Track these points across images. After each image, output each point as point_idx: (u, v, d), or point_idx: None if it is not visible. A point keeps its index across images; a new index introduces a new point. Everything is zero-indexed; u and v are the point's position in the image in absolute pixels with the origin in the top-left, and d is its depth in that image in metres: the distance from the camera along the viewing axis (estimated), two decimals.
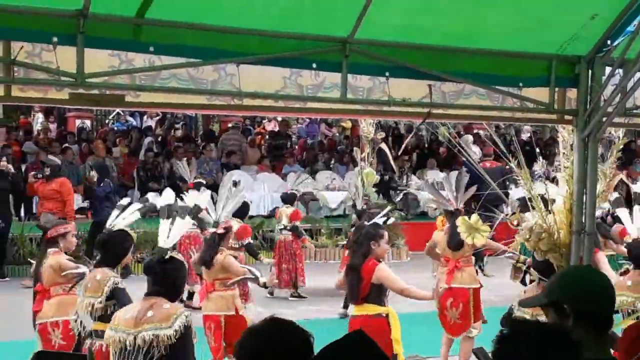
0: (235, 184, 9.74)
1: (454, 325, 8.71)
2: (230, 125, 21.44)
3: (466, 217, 6.80)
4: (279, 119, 22.17)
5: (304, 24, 5.11)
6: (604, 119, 5.95)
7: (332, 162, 20.42)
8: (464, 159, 17.98)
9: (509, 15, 5.42)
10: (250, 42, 5.09)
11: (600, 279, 3.17)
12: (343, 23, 5.17)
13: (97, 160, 16.72)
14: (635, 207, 6.87)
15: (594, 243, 6.34)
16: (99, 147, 17.32)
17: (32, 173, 14.43)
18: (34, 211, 15.40)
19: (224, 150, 19.62)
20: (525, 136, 22.47)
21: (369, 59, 5.41)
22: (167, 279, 5.04)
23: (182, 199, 8.56)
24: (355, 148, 17.55)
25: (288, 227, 13.06)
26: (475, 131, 21.12)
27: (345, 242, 12.02)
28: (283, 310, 11.61)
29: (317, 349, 2.59)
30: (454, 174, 11.75)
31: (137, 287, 6.06)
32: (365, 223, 7.48)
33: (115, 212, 6.75)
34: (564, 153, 6.27)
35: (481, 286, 9.17)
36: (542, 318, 5.82)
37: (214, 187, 17.78)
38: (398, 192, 19.18)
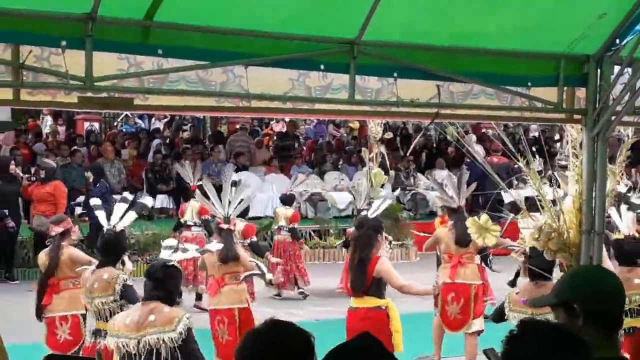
0: (234, 184, 9.76)
1: (454, 321, 8.86)
2: (238, 126, 21.46)
3: (476, 218, 6.81)
4: (287, 120, 22.19)
5: (311, 25, 5.11)
6: (613, 117, 5.94)
7: (340, 162, 20.42)
8: (470, 156, 17.98)
9: (517, 15, 5.41)
10: (258, 43, 5.09)
11: (610, 278, 3.16)
12: (351, 24, 5.17)
13: (93, 162, 16.74)
14: (622, 207, 6.93)
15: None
16: (107, 150, 17.36)
17: (27, 176, 14.43)
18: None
19: (232, 151, 19.64)
20: (534, 134, 22.42)
21: (377, 60, 5.40)
22: (168, 283, 5.26)
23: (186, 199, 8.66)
24: (363, 148, 17.60)
25: (286, 229, 13.08)
26: (483, 130, 21.09)
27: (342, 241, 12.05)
28: (291, 310, 11.67)
29: (325, 350, 2.59)
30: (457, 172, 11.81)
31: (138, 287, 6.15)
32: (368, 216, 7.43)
33: (118, 211, 6.90)
34: (573, 152, 6.25)
35: (483, 283, 9.33)
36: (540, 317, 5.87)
37: (222, 189, 17.89)
38: (406, 192, 19.20)
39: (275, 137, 22.22)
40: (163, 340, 4.96)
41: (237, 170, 18.50)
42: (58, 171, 15.95)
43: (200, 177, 12.45)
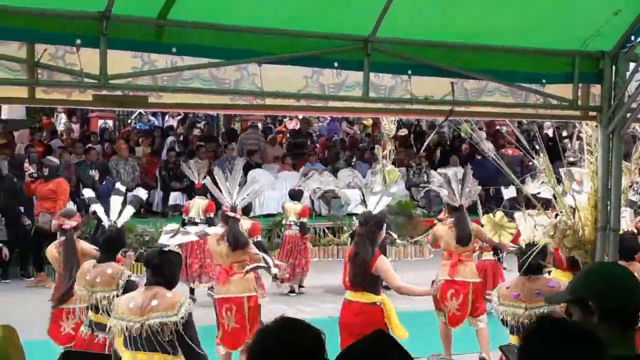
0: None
1: (453, 317, 8.98)
2: (249, 124, 21.50)
3: (491, 215, 6.79)
4: (300, 117, 22.19)
5: (325, 23, 5.11)
6: (629, 114, 5.91)
7: (354, 159, 20.42)
8: (484, 152, 17.91)
9: (532, 12, 5.38)
10: (271, 41, 5.09)
11: (625, 275, 3.15)
12: (364, 22, 5.16)
13: (99, 161, 16.79)
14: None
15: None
16: (121, 147, 17.40)
17: (29, 172, 14.39)
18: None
19: (243, 149, 19.67)
20: (549, 132, 22.32)
21: (391, 57, 5.40)
22: (165, 269, 5.46)
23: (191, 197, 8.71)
24: (376, 146, 17.58)
25: (297, 224, 13.14)
26: (497, 127, 21.05)
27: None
28: (304, 307, 11.69)
29: (336, 347, 2.59)
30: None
31: None
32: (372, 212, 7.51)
33: (115, 204, 7.02)
34: (588, 149, 6.23)
35: (481, 281, 9.50)
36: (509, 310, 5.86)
37: None
38: (420, 189, 19.18)
39: (288, 135, 22.22)
40: (166, 324, 5.21)
41: (250, 168, 18.56)
42: (72, 169, 16.05)
43: (204, 175, 12.44)
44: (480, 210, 9.67)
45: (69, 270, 7.49)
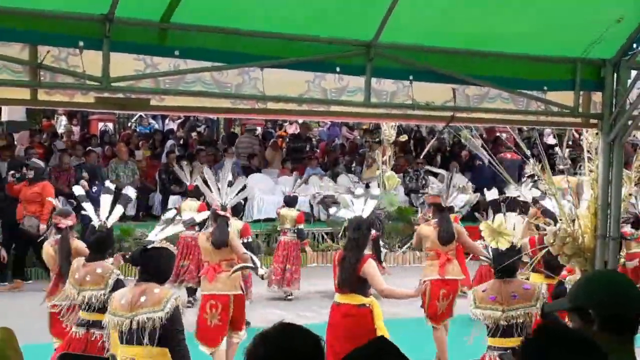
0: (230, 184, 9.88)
1: (440, 315, 9.11)
2: (245, 128, 21.49)
3: (489, 221, 6.83)
4: (300, 121, 22.17)
5: (327, 27, 5.12)
6: (630, 122, 5.92)
7: (354, 165, 20.40)
8: (484, 156, 17.98)
9: (534, 19, 5.40)
10: (274, 46, 5.11)
11: (625, 283, 3.15)
12: (367, 27, 5.17)
13: (87, 164, 16.73)
14: None
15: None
16: (121, 150, 17.38)
17: (11, 172, 14.25)
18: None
19: (239, 154, 19.66)
20: (549, 139, 22.31)
21: (393, 62, 5.41)
22: (150, 264, 5.69)
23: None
24: (377, 151, 17.56)
25: (293, 230, 13.14)
26: (497, 134, 21.05)
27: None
28: (302, 312, 11.68)
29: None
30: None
31: None
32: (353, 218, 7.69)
33: (105, 203, 7.13)
34: (588, 157, 6.24)
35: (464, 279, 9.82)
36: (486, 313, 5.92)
37: None
38: (420, 195, 19.16)
39: (287, 139, 22.22)
40: (153, 319, 5.43)
41: (249, 172, 18.54)
42: (72, 171, 16.02)
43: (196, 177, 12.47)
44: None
45: (65, 268, 7.54)
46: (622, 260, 8.06)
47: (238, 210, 10.83)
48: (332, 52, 5.24)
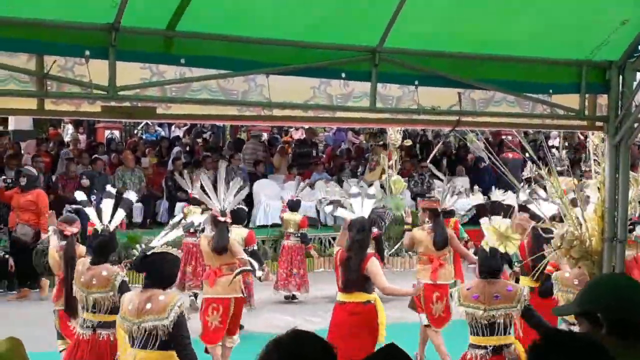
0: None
1: (439, 319, 9.24)
2: (250, 134, 21.51)
3: (496, 226, 6.85)
4: (306, 127, 22.17)
5: (333, 33, 5.13)
6: (636, 124, 5.91)
7: (360, 169, 20.40)
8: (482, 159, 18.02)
9: (539, 22, 5.40)
10: (279, 52, 5.11)
11: (632, 287, 3.15)
12: (372, 32, 5.18)
13: (86, 171, 16.74)
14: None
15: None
16: (128, 158, 17.40)
17: (2, 178, 14.11)
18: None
19: (245, 160, 19.68)
20: (554, 142, 22.31)
21: (398, 67, 5.41)
22: (152, 270, 5.78)
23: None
24: (382, 155, 17.54)
25: (297, 235, 13.18)
26: (502, 137, 21.04)
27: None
28: (311, 317, 11.66)
29: None
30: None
31: None
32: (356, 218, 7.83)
33: (106, 208, 7.23)
34: (595, 160, 6.24)
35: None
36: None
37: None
38: (425, 199, 19.09)
39: (293, 145, 22.22)
40: (158, 327, 5.55)
41: (255, 179, 18.55)
42: (78, 179, 16.03)
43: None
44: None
45: (71, 274, 7.60)
46: None
47: (242, 217, 10.85)
48: (338, 58, 5.25)
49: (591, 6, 5.35)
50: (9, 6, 4.28)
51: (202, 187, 9.33)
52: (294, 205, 13.49)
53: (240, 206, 10.82)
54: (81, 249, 7.82)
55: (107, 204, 7.29)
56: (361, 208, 7.99)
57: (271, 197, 17.82)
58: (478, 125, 6.65)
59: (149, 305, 5.62)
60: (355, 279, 7.38)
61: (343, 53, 5.26)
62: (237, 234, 10.01)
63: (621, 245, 6.00)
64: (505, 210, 6.76)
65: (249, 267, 8.57)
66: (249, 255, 9.97)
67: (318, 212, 17.68)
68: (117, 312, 6.35)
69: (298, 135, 23.01)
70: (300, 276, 13.07)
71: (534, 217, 8.41)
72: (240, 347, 9.10)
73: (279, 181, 19.07)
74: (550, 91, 5.90)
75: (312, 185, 18.41)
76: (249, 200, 18.12)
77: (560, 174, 7.38)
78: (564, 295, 6.89)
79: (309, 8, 4.94)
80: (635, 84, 5.93)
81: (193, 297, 12.22)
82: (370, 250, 9.55)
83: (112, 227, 7.15)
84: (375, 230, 10.07)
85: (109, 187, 7.75)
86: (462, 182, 18.05)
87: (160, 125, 22.41)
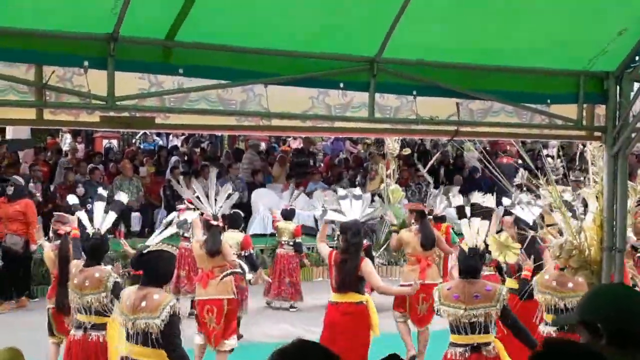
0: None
1: (422, 318, 9.53)
2: (248, 143, 21.51)
3: (496, 235, 6.90)
4: (304, 136, 22.17)
5: (331, 44, 5.14)
6: (633, 134, 5.92)
7: (358, 178, 20.39)
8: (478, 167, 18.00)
9: (537, 32, 5.41)
10: (278, 63, 5.12)
11: (632, 296, 3.15)
12: (370, 43, 5.19)
13: (84, 180, 16.71)
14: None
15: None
16: (126, 167, 17.39)
17: None
18: None
19: (243, 169, 19.67)
20: (551, 151, 22.31)
21: (397, 78, 5.42)
22: (148, 268, 5.92)
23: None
24: (380, 164, 17.53)
25: (290, 243, 13.21)
26: (500, 143, 21.08)
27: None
28: (310, 327, 11.61)
29: None
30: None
31: None
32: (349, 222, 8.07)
33: (98, 211, 7.40)
34: (593, 170, 6.24)
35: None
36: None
37: (240, 206, 17.89)
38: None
39: (290, 154, 22.22)
40: (150, 325, 5.71)
41: (253, 188, 18.54)
42: (79, 188, 16.01)
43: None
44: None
45: (64, 272, 7.86)
46: None
47: (239, 222, 10.99)
48: (336, 68, 5.25)
49: (589, 17, 5.35)
50: (8, 16, 4.28)
51: (194, 192, 9.53)
52: (287, 214, 13.51)
53: (237, 211, 10.97)
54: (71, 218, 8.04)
55: (99, 207, 7.43)
56: (351, 210, 8.24)
57: (269, 206, 17.81)
58: (476, 135, 6.66)
59: (143, 303, 5.77)
60: (349, 280, 7.63)
61: (341, 63, 5.27)
62: (233, 238, 10.22)
63: (620, 255, 6.00)
64: (484, 213, 6.88)
65: (238, 270, 8.81)
66: (245, 260, 10.21)
67: (316, 221, 17.65)
68: (109, 314, 6.84)
69: (296, 144, 23.02)
70: (292, 285, 13.12)
71: (517, 221, 8.54)
72: (241, 357, 9.11)
73: (277, 190, 19.06)
74: (549, 101, 5.91)
75: (310, 194, 18.41)
76: (247, 209, 18.11)
77: (556, 182, 7.42)
78: (543, 296, 7.05)
79: (307, 18, 4.94)
80: (632, 94, 5.94)
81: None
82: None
83: (103, 230, 7.30)
84: (365, 242, 10.31)
85: (100, 190, 7.82)
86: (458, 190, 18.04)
87: (158, 134, 22.41)
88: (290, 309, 13.16)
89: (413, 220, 10.28)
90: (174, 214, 7.45)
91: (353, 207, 8.31)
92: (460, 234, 9.28)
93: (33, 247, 12.79)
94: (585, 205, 6.48)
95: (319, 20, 4.99)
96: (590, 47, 5.66)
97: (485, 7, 5.14)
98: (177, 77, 4.93)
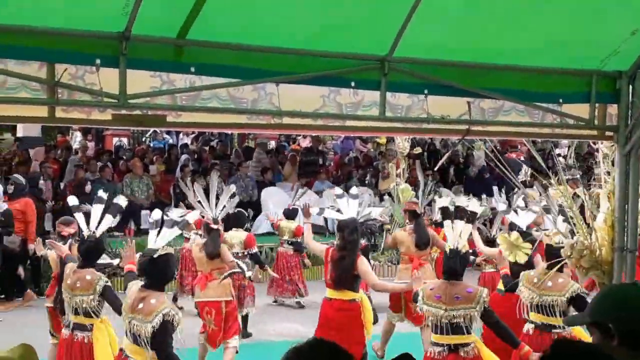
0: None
1: (417, 316, 9.45)
2: (257, 142, 21.52)
3: (506, 235, 6.90)
4: (313, 135, 22.16)
5: (342, 42, 5.13)
6: None
7: (367, 178, 20.37)
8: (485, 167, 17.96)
9: (549, 32, 5.39)
10: (289, 61, 5.12)
11: None
12: (382, 41, 5.18)
13: (95, 178, 16.73)
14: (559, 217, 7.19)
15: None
16: (136, 165, 17.43)
17: None
18: None
19: (252, 167, 19.68)
20: (562, 151, 22.24)
21: (408, 76, 5.41)
22: (155, 273, 6.04)
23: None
24: (390, 164, 17.52)
25: (289, 242, 13.29)
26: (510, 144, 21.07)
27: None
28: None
29: None
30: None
31: None
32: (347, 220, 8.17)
33: (96, 213, 7.42)
34: (605, 170, 6.22)
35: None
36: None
37: (249, 204, 17.92)
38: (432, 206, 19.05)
39: (299, 153, 22.22)
40: (142, 327, 5.83)
41: (262, 186, 18.55)
42: (87, 186, 16.05)
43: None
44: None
45: (64, 273, 7.84)
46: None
47: (243, 221, 11.10)
48: (347, 67, 5.25)
49: (601, 16, 5.33)
50: (21, 15, 4.30)
51: (195, 195, 9.72)
52: (290, 214, 13.55)
53: (240, 210, 11.04)
54: (63, 248, 8.00)
55: (97, 209, 7.46)
56: (348, 208, 8.38)
57: (279, 205, 17.80)
58: (487, 134, 6.65)
59: (140, 305, 5.90)
60: (345, 277, 7.75)
61: (353, 62, 5.27)
62: (237, 237, 10.52)
63: (631, 255, 5.98)
64: (468, 216, 6.93)
65: (237, 270, 8.92)
66: (250, 258, 10.40)
67: (325, 220, 17.66)
68: (96, 316, 7.04)
69: (306, 143, 23.01)
70: (293, 283, 13.22)
71: (512, 226, 8.58)
72: (250, 355, 9.13)
73: (287, 189, 19.06)
74: (560, 100, 5.89)
75: (319, 193, 18.40)
76: (257, 207, 18.11)
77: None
78: (525, 291, 7.21)
79: (318, 17, 4.94)
80: None
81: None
82: None
83: (98, 233, 7.36)
84: (362, 241, 10.45)
85: (100, 192, 7.85)
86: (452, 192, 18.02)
87: (168, 132, 22.45)
88: (297, 306, 13.24)
89: (407, 220, 10.46)
90: (157, 213, 7.28)
91: (350, 205, 8.45)
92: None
93: (31, 246, 12.80)
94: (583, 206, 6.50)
95: (330, 19, 4.98)
96: (603, 47, 5.64)
97: (497, 6, 5.13)
98: (189, 75, 4.93)
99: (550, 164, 10.86)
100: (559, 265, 6.75)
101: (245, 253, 10.69)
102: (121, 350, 6.19)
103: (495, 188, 18.96)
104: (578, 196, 6.58)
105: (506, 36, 5.38)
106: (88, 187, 15.67)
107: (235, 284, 9.78)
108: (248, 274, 9.41)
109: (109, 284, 7.15)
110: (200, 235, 11.00)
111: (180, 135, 23.07)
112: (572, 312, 6.95)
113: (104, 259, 7.99)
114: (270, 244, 15.71)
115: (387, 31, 5.14)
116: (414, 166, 19.73)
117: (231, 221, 10.62)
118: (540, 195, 7.88)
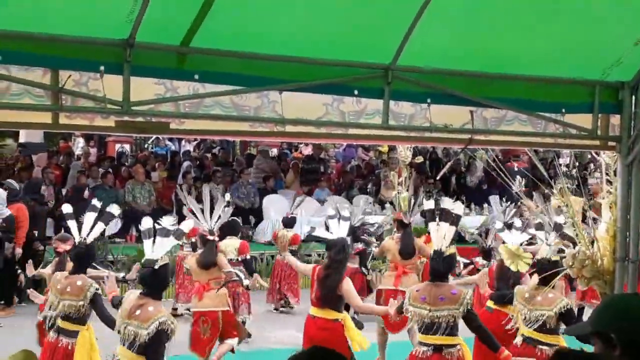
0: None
1: (395, 324, 9.59)
2: (258, 149, 21.53)
3: (508, 245, 6.91)
4: (315, 143, 22.14)
5: (346, 51, 5.14)
6: None
7: (369, 186, 20.37)
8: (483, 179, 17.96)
9: (552, 42, 5.40)
10: (292, 69, 5.12)
11: None
12: (385, 50, 5.19)
13: (97, 184, 16.74)
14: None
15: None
16: (138, 172, 17.44)
17: None
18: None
19: (254, 175, 19.69)
20: (564, 160, 22.21)
21: (411, 85, 5.42)
22: (155, 282, 6.10)
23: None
24: (392, 172, 17.52)
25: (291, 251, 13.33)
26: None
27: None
28: None
29: None
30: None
31: None
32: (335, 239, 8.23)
33: (88, 221, 7.50)
34: (607, 180, 6.22)
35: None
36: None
37: (251, 211, 17.92)
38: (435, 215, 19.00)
39: (301, 161, 22.23)
40: (137, 334, 5.87)
41: (264, 194, 18.55)
42: (88, 192, 16.06)
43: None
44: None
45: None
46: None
47: (236, 229, 11.14)
48: (351, 75, 5.25)
49: (604, 27, 5.34)
50: (25, 21, 4.31)
51: (189, 208, 9.97)
52: (288, 222, 13.56)
53: (234, 218, 11.09)
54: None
55: (89, 217, 7.54)
56: (338, 228, 8.50)
57: (280, 212, 17.80)
58: (490, 143, 6.66)
59: (138, 312, 5.95)
60: (330, 296, 7.75)
61: (356, 70, 5.27)
62: (232, 245, 10.61)
63: (633, 265, 5.97)
64: (453, 219, 6.97)
65: (235, 278, 9.12)
66: (242, 264, 10.46)
67: (327, 227, 17.62)
68: (84, 323, 7.13)
69: (307, 151, 23.02)
70: (289, 290, 13.31)
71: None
72: None
73: (289, 197, 19.05)
74: (563, 110, 5.89)
75: (320, 202, 18.41)
76: (259, 214, 18.11)
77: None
78: (518, 306, 7.27)
79: (322, 25, 4.95)
80: None
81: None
82: (355, 265, 10.21)
83: (89, 240, 7.45)
84: (360, 245, 10.97)
85: (94, 201, 7.90)
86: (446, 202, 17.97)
87: (170, 139, 22.47)
88: (288, 307, 13.38)
89: (395, 229, 10.65)
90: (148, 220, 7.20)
91: (341, 226, 8.57)
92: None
93: (18, 251, 12.81)
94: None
95: (334, 28, 4.99)
96: (606, 57, 5.64)
97: (500, 16, 5.13)
98: (192, 82, 4.94)
99: (552, 174, 10.87)
100: (553, 282, 6.78)
101: (239, 259, 10.77)
102: (113, 357, 6.26)
103: (491, 198, 19.02)
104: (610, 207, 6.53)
105: (509, 46, 5.39)
106: (86, 193, 15.66)
107: (230, 292, 9.83)
108: (245, 282, 9.54)
109: (100, 291, 7.20)
110: (192, 243, 11.11)
111: (183, 142, 23.09)
112: (563, 327, 7.00)
113: (96, 270, 8.05)
114: (272, 251, 15.71)
115: (390, 40, 5.15)
116: (416, 175, 19.78)
117: (225, 230, 10.66)
118: (538, 207, 7.93)
